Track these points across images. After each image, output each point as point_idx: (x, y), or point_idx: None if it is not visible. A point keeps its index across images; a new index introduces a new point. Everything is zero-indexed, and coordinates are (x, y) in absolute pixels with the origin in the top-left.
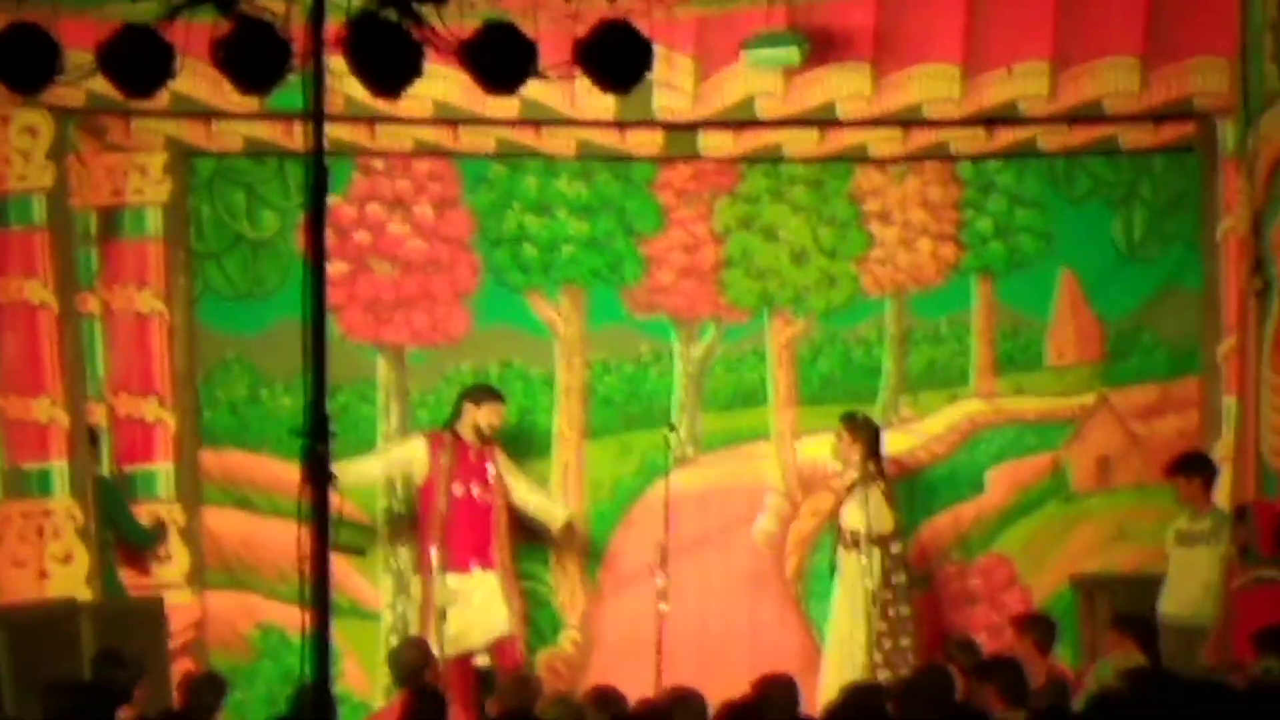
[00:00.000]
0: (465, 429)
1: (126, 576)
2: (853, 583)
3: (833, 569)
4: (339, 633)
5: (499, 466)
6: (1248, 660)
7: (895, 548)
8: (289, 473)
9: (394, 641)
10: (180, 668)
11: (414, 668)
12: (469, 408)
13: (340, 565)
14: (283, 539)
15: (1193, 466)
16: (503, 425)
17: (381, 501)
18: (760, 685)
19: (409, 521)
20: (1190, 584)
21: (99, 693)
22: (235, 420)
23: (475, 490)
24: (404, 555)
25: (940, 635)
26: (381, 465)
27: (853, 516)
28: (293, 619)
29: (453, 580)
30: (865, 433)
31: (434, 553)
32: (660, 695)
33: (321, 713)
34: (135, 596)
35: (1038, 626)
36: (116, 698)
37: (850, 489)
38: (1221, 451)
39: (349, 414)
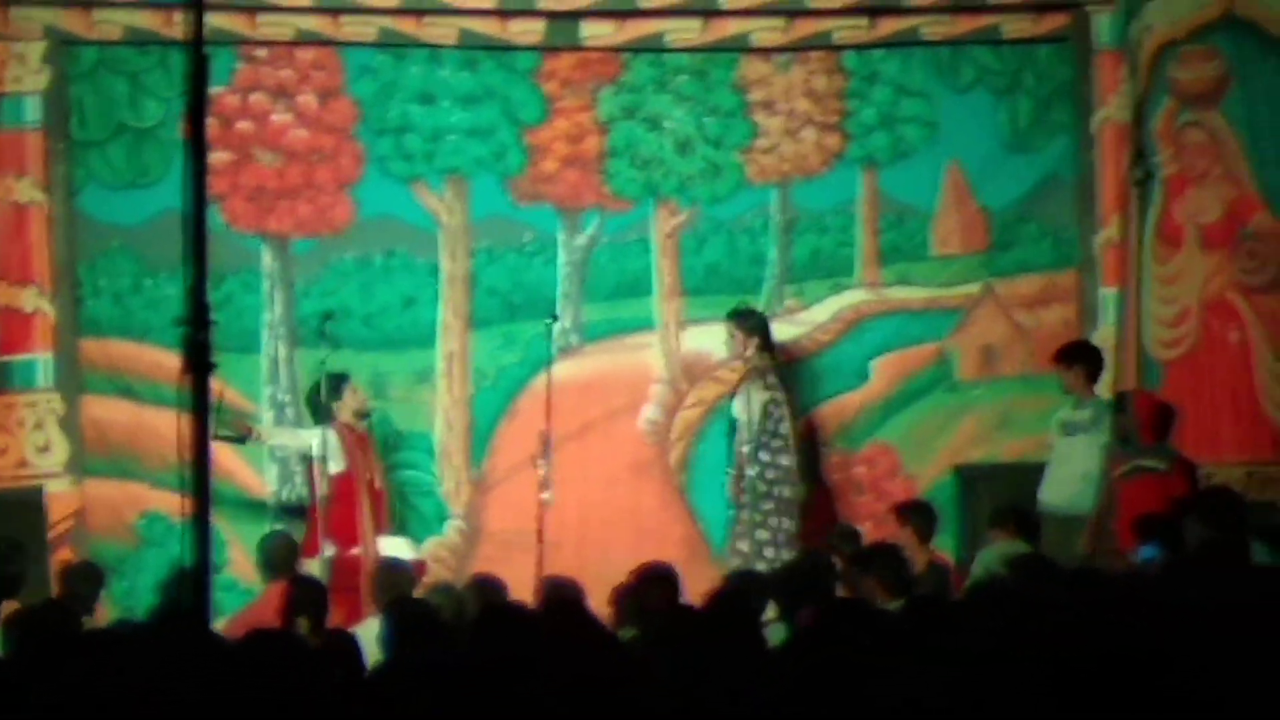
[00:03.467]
0: (347, 416)
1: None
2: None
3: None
4: (225, 521)
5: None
6: (1127, 548)
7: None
8: (173, 362)
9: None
10: (60, 557)
11: (283, 559)
12: (338, 404)
13: (227, 455)
14: (167, 428)
15: (1076, 356)
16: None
17: (266, 390)
18: (640, 573)
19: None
20: (1070, 473)
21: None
22: (119, 310)
23: (377, 480)
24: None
25: (824, 524)
26: (307, 441)
27: (739, 409)
28: (178, 507)
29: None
30: (755, 325)
31: (365, 522)
32: (538, 585)
33: (198, 599)
34: (13, 486)
35: (918, 514)
36: (5, 591)
37: (739, 382)
38: (1100, 342)
39: (233, 303)
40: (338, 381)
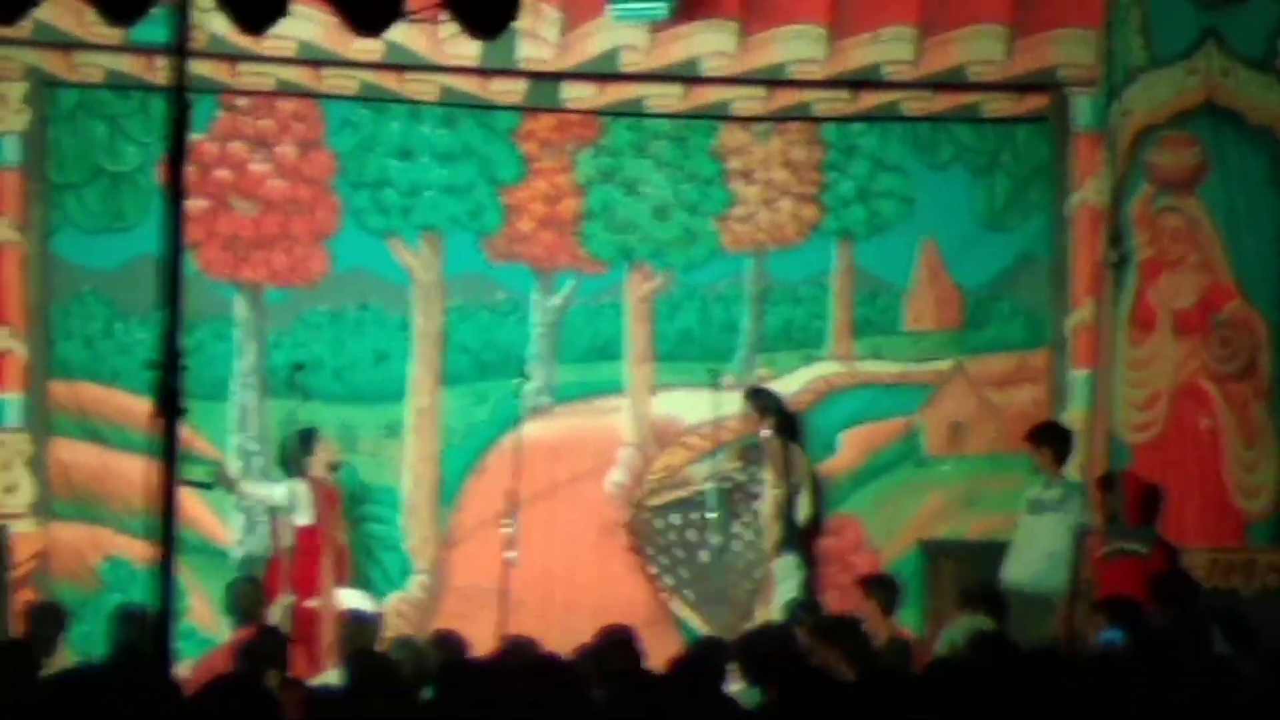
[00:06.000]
0: (320, 470)
1: None
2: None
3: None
4: (187, 569)
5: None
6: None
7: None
8: (142, 407)
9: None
10: (22, 598)
11: (251, 603)
12: (310, 458)
13: (192, 503)
14: (133, 473)
15: (1046, 437)
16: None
17: (234, 438)
18: (602, 636)
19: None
20: (1036, 552)
21: None
22: (89, 353)
23: (341, 535)
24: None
25: None
26: (278, 493)
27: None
28: (141, 553)
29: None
30: (771, 404)
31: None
32: (500, 643)
33: (159, 645)
34: None
35: (881, 588)
36: None
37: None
38: (1070, 422)
39: (204, 350)
40: (309, 436)
